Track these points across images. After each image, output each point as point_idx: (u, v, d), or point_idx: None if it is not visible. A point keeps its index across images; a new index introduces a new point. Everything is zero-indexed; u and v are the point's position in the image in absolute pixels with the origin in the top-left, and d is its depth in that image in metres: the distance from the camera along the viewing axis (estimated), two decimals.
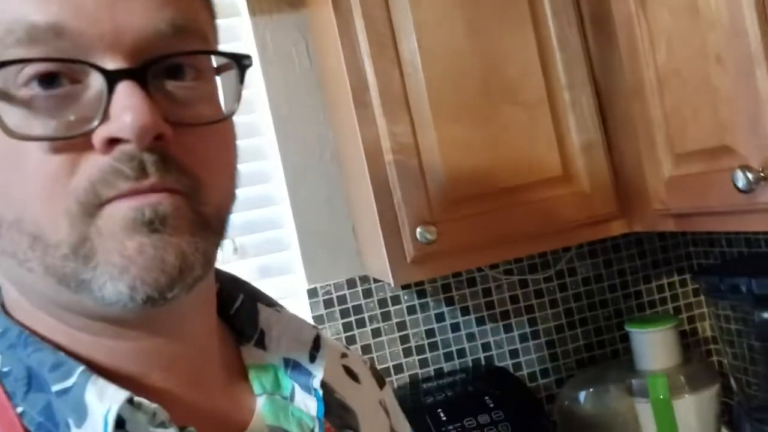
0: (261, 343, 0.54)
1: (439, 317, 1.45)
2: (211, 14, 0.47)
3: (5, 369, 0.44)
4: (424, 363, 1.44)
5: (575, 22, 1.17)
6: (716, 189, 0.90)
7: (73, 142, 0.39)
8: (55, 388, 0.42)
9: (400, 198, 1.12)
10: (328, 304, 1.41)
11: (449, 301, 1.45)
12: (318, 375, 0.52)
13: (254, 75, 1.41)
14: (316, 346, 0.53)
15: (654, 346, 1.36)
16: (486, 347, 1.46)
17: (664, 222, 1.11)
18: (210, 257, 0.44)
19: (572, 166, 1.16)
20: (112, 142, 0.39)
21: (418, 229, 1.11)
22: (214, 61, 0.45)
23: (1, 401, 0.42)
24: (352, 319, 1.42)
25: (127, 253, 0.39)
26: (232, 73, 0.45)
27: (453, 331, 1.45)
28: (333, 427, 0.52)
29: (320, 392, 0.51)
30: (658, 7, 0.98)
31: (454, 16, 1.13)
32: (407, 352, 1.44)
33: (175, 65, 0.42)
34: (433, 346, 1.44)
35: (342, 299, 1.42)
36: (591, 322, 1.50)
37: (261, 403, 0.50)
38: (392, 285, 1.14)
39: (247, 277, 0.57)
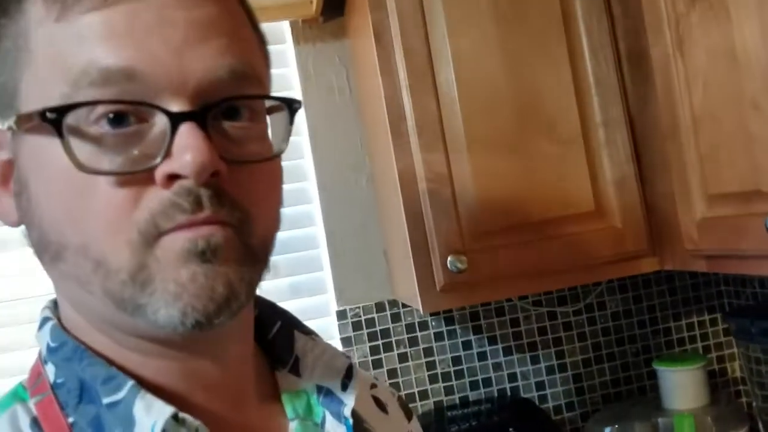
0: (295, 370, 0.56)
1: (467, 345, 1.46)
2: (266, 58, 0.50)
3: (60, 380, 0.47)
4: (449, 390, 1.45)
5: (612, 60, 1.19)
6: (749, 233, 0.91)
7: (137, 177, 0.42)
8: (105, 400, 0.44)
9: (432, 226, 1.14)
10: (356, 326, 1.43)
11: (477, 330, 1.46)
12: (349, 404, 0.53)
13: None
14: (348, 375, 0.55)
15: (682, 385, 1.35)
16: (512, 378, 1.46)
17: (695, 262, 1.11)
18: (254, 286, 0.47)
19: (605, 202, 1.17)
20: (173, 177, 0.42)
21: (449, 258, 1.12)
22: (267, 103, 0.48)
23: (55, 411, 0.45)
24: (380, 342, 1.44)
25: (181, 281, 0.42)
26: (283, 115, 0.48)
27: (480, 360, 1.46)
28: None
29: (350, 421, 0.52)
30: (696, 50, 0.99)
31: (492, 49, 1.15)
32: (433, 379, 1.44)
33: (231, 107, 0.45)
34: (459, 374, 1.45)
35: (370, 322, 1.44)
36: (618, 358, 1.50)
37: (293, 427, 0.52)
38: (421, 311, 1.16)
39: (278, 296, 0.60)
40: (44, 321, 0.50)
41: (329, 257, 1.45)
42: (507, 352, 1.47)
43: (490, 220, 1.14)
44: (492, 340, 1.46)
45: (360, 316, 1.44)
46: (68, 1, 0.41)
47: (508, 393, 1.46)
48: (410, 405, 1.40)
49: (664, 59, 1.09)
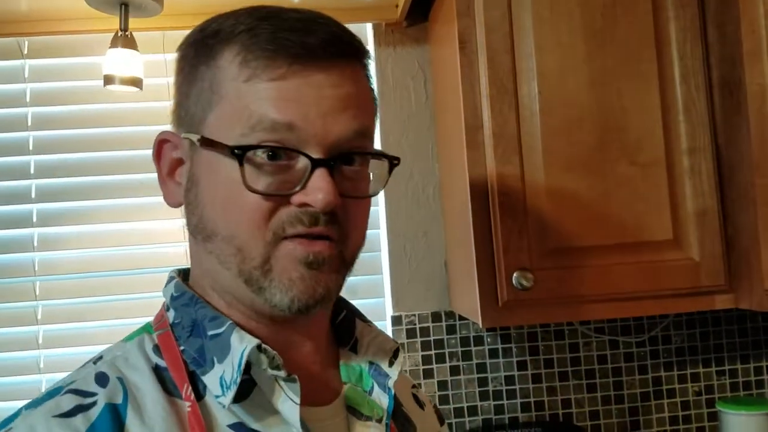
0: (354, 348, 0.71)
1: (521, 365, 1.42)
2: (376, 113, 0.67)
3: (177, 321, 0.64)
4: (499, 409, 1.42)
5: (703, 87, 1.14)
6: None
7: (278, 197, 0.59)
8: (210, 332, 0.62)
9: (501, 240, 1.11)
10: (410, 333, 1.42)
11: (533, 351, 1.43)
12: (393, 376, 0.67)
13: None
14: (395, 355, 0.69)
15: (745, 431, 1.29)
16: (566, 404, 1.42)
17: None
18: (341, 287, 0.64)
19: (683, 233, 1.13)
20: (304, 204, 0.59)
21: (515, 274, 1.10)
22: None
23: (171, 341, 0.63)
24: (432, 352, 1.42)
25: (293, 278, 0.59)
26: (384, 164, 0.65)
27: (534, 382, 1.42)
28: (395, 426, 0.68)
29: (393, 391, 0.66)
30: None
31: (579, 67, 1.13)
32: (483, 396, 1.42)
33: (351, 156, 0.62)
34: (511, 394, 1.42)
35: (425, 331, 1.42)
36: (679, 395, 1.44)
37: (346, 388, 0.68)
38: (480, 325, 1.13)
39: None
40: (170, 279, 0.68)
41: (389, 261, 1.44)
42: (563, 377, 1.43)
43: (560, 239, 1.11)
44: (548, 363, 1.43)
45: (415, 324, 1.42)
46: (257, 71, 0.59)
47: (561, 419, 1.42)
48: (458, 420, 1.38)
49: (761, 90, 1.05)
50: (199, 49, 0.63)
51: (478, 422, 1.41)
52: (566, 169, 1.12)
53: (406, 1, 1.33)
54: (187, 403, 0.59)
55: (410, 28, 1.45)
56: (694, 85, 1.14)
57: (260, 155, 0.58)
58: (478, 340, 1.42)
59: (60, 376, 0.64)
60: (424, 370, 1.41)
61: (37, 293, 1.42)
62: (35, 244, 1.42)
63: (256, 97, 0.58)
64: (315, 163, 0.58)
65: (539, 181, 1.12)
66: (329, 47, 0.59)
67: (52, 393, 0.59)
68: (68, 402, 0.57)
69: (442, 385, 1.41)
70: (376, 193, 0.66)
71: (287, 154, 0.59)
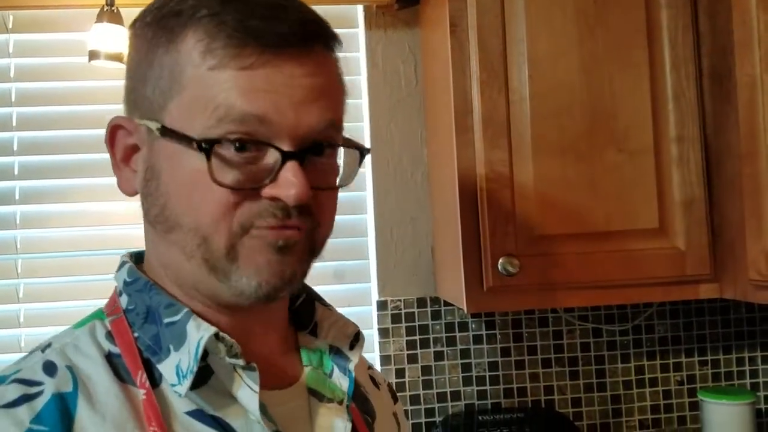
0: (314, 332, 0.71)
1: (505, 351, 1.43)
2: (345, 102, 0.64)
3: (130, 307, 0.62)
4: (482, 395, 1.42)
5: (693, 76, 1.14)
6: None
7: (245, 191, 0.57)
8: (166, 320, 0.60)
9: (487, 226, 1.11)
10: (395, 318, 1.42)
11: (517, 337, 1.43)
12: (353, 360, 0.67)
13: (360, 85, 1.44)
14: (356, 339, 0.68)
15: (727, 421, 1.30)
16: (548, 390, 1.43)
17: (758, 293, 1.06)
18: (307, 273, 0.63)
19: (670, 221, 1.13)
20: (274, 198, 0.57)
21: (501, 260, 1.10)
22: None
23: (125, 328, 0.61)
24: (417, 338, 1.42)
25: (260, 264, 0.58)
26: (356, 154, 0.64)
27: (517, 368, 1.42)
28: (356, 408, 0.68)
29: (353, 374, 0.66)
30: None
31: (570, 52, 1.12)
32: (467, 381, 1.42)
33: (321, 146, 0.60)
34: (494, 380, 1.42)
35: (410, 316, 1.42)
36: (661, 384, 1.45)
37: (307, 371, 0.67)
38: (464, 310, 1.13)
39: (322, 279, 0.76)
40: (122, 264, 0.66)
41: (375, 247, 1.43)
42: (546, 364, 1.43)
43: (547, 225, 1.11)
44: (532, 350, 1.43)
45: (400, 309, 1.42)
46: (225, 60, 0.55)
47: (543, 405, 1.42)
48: (441, 404, 1.39)
49: (751, 80, 1.04)
50: (157, 30, 0.59)
51: (461, 407, 1.41)
52: (555, 155, 1.12)
53: None
54: (142, 391, 0.57)
55: (401, 11, 1.44)
56: (684, 74, 1.14)
57: (227, 148, 0.56)
58: (463, 326, 1.42)
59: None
60: (408, 355, 1.41)
61: (19, 271, 1.40)
62: (17, 221, 1.41)
63: (223, 87, 0.55)
64: (285, 156, 0.56)
65: (527, 167, 1.11)
66: (301, 35, 0.57)
67: None
68: (13, 392, 0.55)
69: (425, 370, 1.41)
70: (346, 184, 0.64)
71: (256, 147, 0.57)
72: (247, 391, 0.58)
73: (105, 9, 1.22)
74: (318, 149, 0.59)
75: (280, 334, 0.68)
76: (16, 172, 1.41)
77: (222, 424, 0.58)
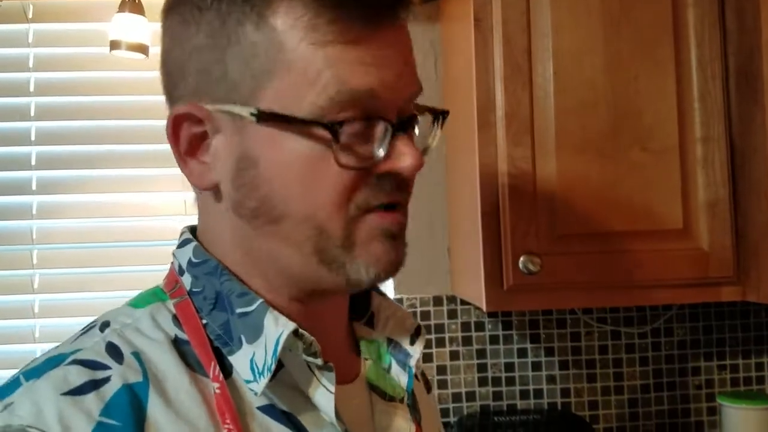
0: (370, 323, 0.67)
1: (522, 352, 1.41)
2: None
3: (196, 289, 0.58)
4: (497, 396, 1.40)
5: (720, 76, 1.13)
6: None
7: (363, 170, 0.55)
8: (239, 310, 0.56)
9: (508, 223, 1.10)
10: None
11: (534, 338, 1.41)
12: (415, 356, 0.64)
13: None
14: (417, 333, 0.65)
15: (745, 425, 1.28)
16: (565, 393, 1.41)
17: None
18: None
19: (694, 222, 1.11)
20: (388, 172, 0.55)
21: (522, 258, 1.08)
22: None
23: (192, 312, 0.57)
24: (433, 336, 1.41)
25: (377, 253, 0.56)
26: (431, 118, 0.62)
27: (533, 370, 1.41)
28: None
29: (414, 370, 0.64)
30: None
31: (595, 49, 1.11)
32: (482, 382, 1.40)
33: (414, 118, 0.59)
34: (510, 381, 1.41)
35: (426, 315, 1.41)
36: (679, 388, 1.43)
37: (368, 364, 0.64)
38: (483, 309, 1.12)
39: None
40: (186, 241, 0.61)
41: None
42: (563, 365, 1.41)
43: (570, 224, 1.10)
44: (549, 351, 1.42)
45: (416, 307, 1.41)
46: (329, 35, 0.52)
47: (559, 408, 1.41)
48: (456, 405, 1.37)
49: None
50: (234, 6, 0.53)
51: (476, 408, 1.40)
52: (578, 152, 1.10)
53: None
54: (216, 384, 0.54)
55: (423, 5, 1.43)
56: (710, 73, 1.13)
57: (347, 128, 0.53)
58: (479, 326, 1.41)
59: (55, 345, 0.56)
60: (423, 353, 1.39)
61: (35, 262, 1.40)
62: (34, 211, 1.40)
63: (332, 63, 0.52)
64: (396, 128, 0.55)
65: (550, 164, 1.10)
66: (395, 6, 0.55)
67: (55, 360, 0.52)
68: (77, 375, 0.50)
69: (440, 369, 1.40)
70: (428, 151, 0.61)
71: (367, 123, 0.54)
72: (323, 392, 0.55)
73: None
74: (412, 121, 0.58)
75: (344, 323, 0.65)
76: (33, 162, 1.40)
77: (293, 422, 0.56)
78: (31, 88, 1.41)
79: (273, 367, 0.54)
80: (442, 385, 1.40)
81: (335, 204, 0.54)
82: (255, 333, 0.55)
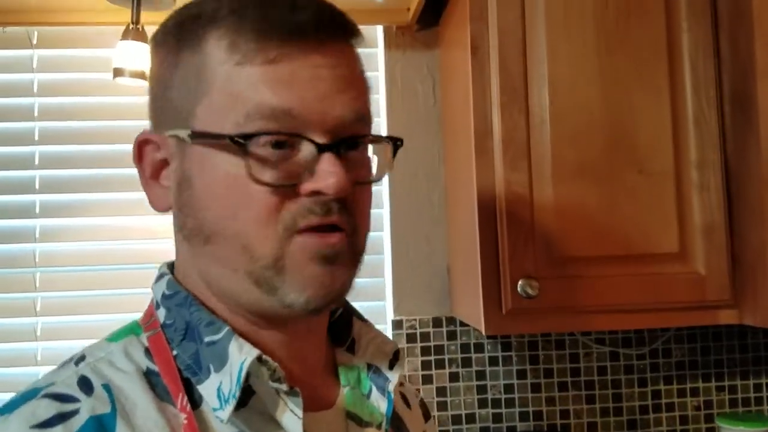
0: (351, 349, 0.68)
1: (521, 374, 1.42)
2: (370, 97, 0.62)
3: (169, 322, 0.59)
4: (497, 418, 1.41)
5: (714, 101, 1.14)
6: None
7: (285, 188, 0.55)
8: (206, 339, 0.57)
9: (507, 247, 1.11)
10: (410, 338, 1.41)
11: (534, 360, 1.42)
12: (393, 380, 0.64)
13: (378, 104, 1.45)
14: (395, 358, 0.66)
15: None
16: (564, 414, 1.41)
17: None
18: (354, 282, 0.60)
19: (690, 246, 1.12)
20: (314, 192, 0.55)
21: (520, 282, 1.09)
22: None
23: (163, 344, 0.58)
24: (432, 358, 1.41)
25: (309, 276, 0.55)
26: (388, 148, 0.62)
27: (533, 391, 1.41)
28: (392, 429, 0.66)
29: (392, 395, 0.64)
30: None
31: (590, 75, 1.12)
32: (482, 403, 1.41)
33: (354, 140, 0.58)
34: (510, 403, 1.41)
35: (425, 336, 1.41)
36: (678, 409, 1.43)
37: (345, 392, 0.64)
38: (482, 332, 1.13)
39: None
40: (161, 276, 0.63)
41: (391, 264, 1.43)
42: (562, 387, 1.42)
43: (567, 248, 1.11)
44: (548, 373, 1.42)
45: (415, 329, 1.41)
46: (247, 55, 0.54)
47: (558, 429, 1.41)
48: (456, 427, 1.37)
49: None
50: (180, 36, 0.58)
51: (476, 429, 1.40)
52: (575, 177, 1.12)
53: (419, 4, 1.33)
54: (183, 415, 0.54)
55: (421, 32, 1.45)
56: (705, 98, 1.14)
57: (263, 145, 0.54)
58: (479, 347, 1.42)
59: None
60: (423, 375, 1.40)
61: (37, 284, 1.41)
62: (37, 235, 1.42)
63: (250, 82, 0.54)
64: (321, 149, 0.54)
65: (547, 189, 1.11)
66: (322, 25, 0.56)
67: (28, 395, 0.53)
68: (46, 409, 0.52)
69: (440, 391, 1.41)
70: (381, 178, 0.62)
71: (291, 142, 0.55)
72: (291, 417, 0.56)
73: (130, 27, 1.24)
74: (352, 143, 0.58)
75: (321, 349, 0.65)
76: (37, 186, 1.42)
77: None
78: (35, 113, 1.43)
79: (237, 394, 0.54)
80: (442, 407, 1.40)
81: (259, 222, 0.54)
82: (221, 361, 0.56)
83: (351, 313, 0.69)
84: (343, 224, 0.56)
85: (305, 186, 0.55)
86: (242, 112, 0.54)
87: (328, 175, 0.54)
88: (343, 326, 0.68)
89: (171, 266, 0.64)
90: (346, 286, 0.58)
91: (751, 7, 1.07)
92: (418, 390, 0.79)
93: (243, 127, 0.54)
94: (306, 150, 0.55)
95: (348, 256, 0.57)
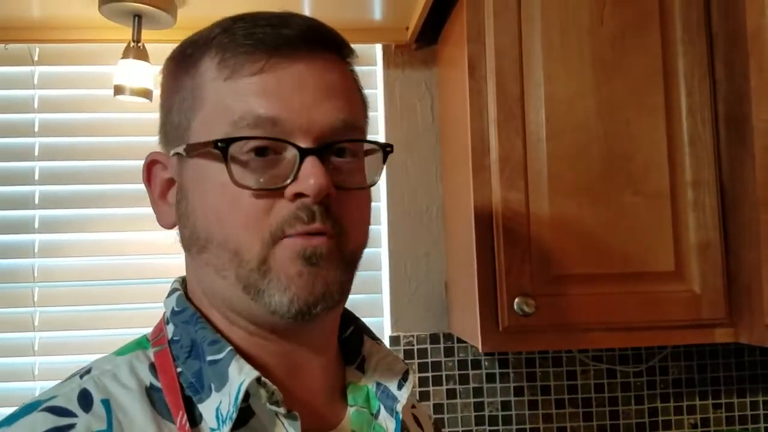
0: (361, 367, 0.68)
1: (518, 391, 1.42)
2: (366, 113, 0.65)
3: (176, 338, 0.61)
4: None
5: (709, 121, 1.15)
6: None
7: (271, 193, 0.56)
8: (209, 358, 0.58)
9: (503, 265, 1.12)
10: (408, 354, 1.41)
11: (531, 377, 1.42)
12: (401, 400, 0.63)
13: (377, 121, 1.46)
14: (404, 378, 0.65)
15: None
16: None
17: None
18: (345, 287, 0.59)
19: (685, 265, 1.13)
20: (297, 195, 0.56)
21: (517, 300, 1.10)
22: (365, 146, 0.63)
23: (168, 361, 0.59)
24: (429, 374, 1.42)
25: (291, 275, 0.56)
26: (378, 156, 0.63)
27: (530, 408, 1.42)
28: None
29: (400, 415, 0.63)
30: None
31: (587, 95, 1.14)
32: (479, 420, 1.41)
33: (341, 147, 0.59)
34: (507, 420, 1.41)
35: (422, 353, 1.42)
36: (675, 427, 1.44)
37: (351, 412, 0.64)
38: (479, 349, 1.13)
39: None
40: (173, 291, 0.64)
41: (389, 281, 1.44)
42: (559, 404, 1.42)
43: (563, 266, 1.12)
44: (545, 390, 1.42)
45: (413, 345, 1.42)
46: (236, 68, 0.57)
47: None
48: None
49: (767, 126, 1.05)
50: (180, 61, 0.61)
51: None
52: (571, 195, 1.12)
53: (417, 24, 1.34)
54: None
55: (419, 50, 1.46)
56: (700, 119, 1.15)
57: (246, 152, 0.56)
58: (476, 364, 1.42)
59: (54, 384, 0.60)
60: (420, 392, 1.41)
61: (36, 300, 1.41)
62: (36, 250, 1.42)
63: (237, 94, 0.56)
64: (303, 152, 0.56)
65: (544, 208, 1.12)
66: (308, 38, 0.58)
67: (29, 408, 0.54)
68: (42, 423, 0.52)
69: (437, 408, 1.41)
70: (372, 184, 0.62)
71: (274, 148, 0.57)
72: None
73: (131, 45, 1.25)
74: (339, 151, 0.59)
75: (330, 365, 0.65)
76: (36, 201, 1.43)
77: None
78: (35, 129, 1.44)
79: (234, 415, 0.55)
80: (440, 423, 1.40)
81: (247, 227, 0.56)
82: (222, 381, 0.57)
83: (363, 332, 0.70)
84: (327, 229, 0.56)
85: (289, 189, 0.56)
86: (229, 122, 0.56)
87: (308, 176, 0.55)
88: (354, 344, 0.69)
89: (183, 282, 0.66)
90: (331, 288, 0.57)
91: (746, 31, 1.09)
92: (430, 417, 0.78)
93: (230, 135, 0.56)
94: (290, 154, 0.57)
95: (335, 257, 0.57)
